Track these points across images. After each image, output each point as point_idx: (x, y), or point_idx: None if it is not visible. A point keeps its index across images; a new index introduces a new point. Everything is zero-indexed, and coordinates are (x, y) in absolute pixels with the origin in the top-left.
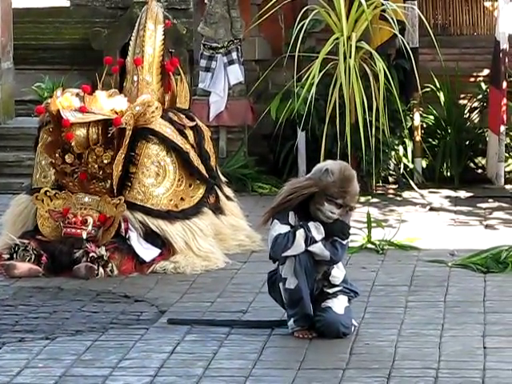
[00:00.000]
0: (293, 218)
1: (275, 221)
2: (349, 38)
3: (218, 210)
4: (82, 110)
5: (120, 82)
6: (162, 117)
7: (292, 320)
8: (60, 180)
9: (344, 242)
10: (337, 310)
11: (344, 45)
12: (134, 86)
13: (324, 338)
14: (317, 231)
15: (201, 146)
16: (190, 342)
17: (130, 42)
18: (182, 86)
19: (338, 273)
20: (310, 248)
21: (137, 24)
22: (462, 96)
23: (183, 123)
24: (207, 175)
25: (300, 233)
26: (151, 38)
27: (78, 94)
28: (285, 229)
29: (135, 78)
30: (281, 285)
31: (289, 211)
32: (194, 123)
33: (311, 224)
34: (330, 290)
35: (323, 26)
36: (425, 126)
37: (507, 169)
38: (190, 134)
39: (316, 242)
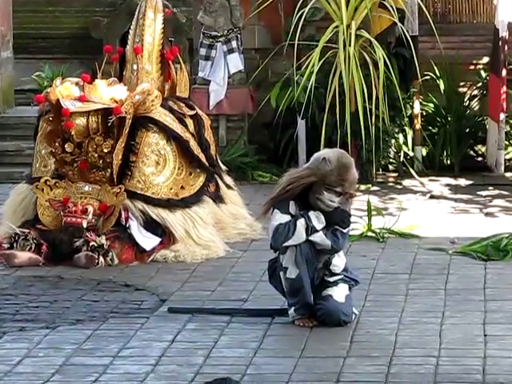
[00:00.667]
0: (293, 207)
1: (276, 210)
2: (348, 26)
3: (218, 198)
4: (81, 99)
5: (120, 71)
6: (161, 105)
7: (293, 309)
8: (60, 169)
9: (345, 231)
10: (337, 299)
11: (344, 33)
12: (133, 75)
13: (324, 327)
14: (317, 220)
15: (200, 135)
16: (190, 330)
17: (130, 31)
18: (182, 74)
19: (338, 261)
20: (311, 238)
21: (136, 13)
22: (461, 84)
23: (183, 112)
24: (207, 164)
25: (301, 222)
26: (151, 27)
27: (77, 83)
28: (285, 218)
29: (135, 67)
30: (281, 274)
31: (289, 201)
32: (194, 112)
33: (312, 213)
34: (331, 279)
35: (323, 14)
36: (425, 114)
37: (507, 156)
38: (189, 122)
39: (317, 231)
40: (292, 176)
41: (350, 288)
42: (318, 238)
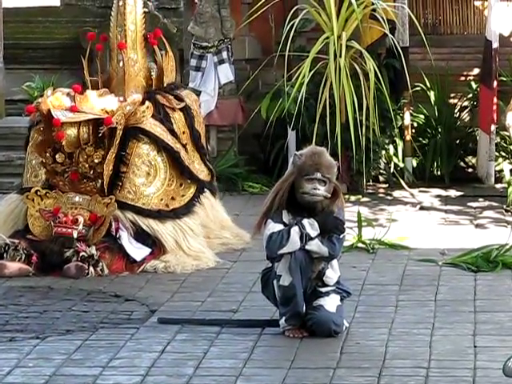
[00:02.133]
0: (286, 216)
1: (269, 220)
2: (339, 37)
3: (213, 188)
4: (72, 109)
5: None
6: (148, 98)
7: (284, 318)
8: (51, 179)
9: (341, 237)
10: (329, 309)
11: (334, 44)
12: (119, 67)
13: (315, 337)
14: (311, 227)
15: (191, 126)
16: (180, 341)
17: (111, 17)
18: (168, 59)
19: (332, 274)
20: (307, 247)
21: None
22: (452, 95)
23: (172, 105)
24: (199, 154)
25: (295, 230)
26: (132, 14)
27: (68, 94)
28: (278, 227)
29: (120, 58)
30: (275, 282)
31: (281, 210)
32: (183, 104)
33: (305, 221)
34: (323, 289)
35: (313, 25)
36: (415, 125)
37: (497, 168)
38: (180, 115)
39: (312, 238)
40: (276, 185)
41: (341, 299)
42: (315, 245)
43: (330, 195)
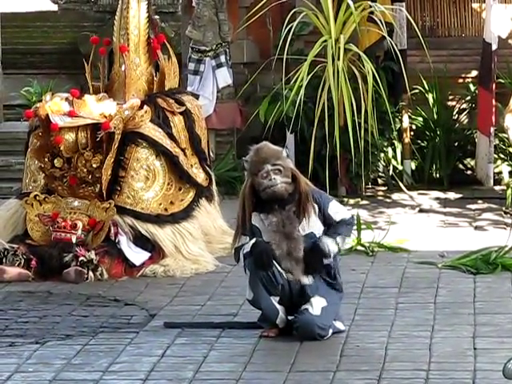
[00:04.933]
0: (256, 218)
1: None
2: (337, 40)
3: (210, 194)
4: (71, 114)
5: (109, 64)
6: (148, 101)
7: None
8: (49, 184)
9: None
10: (313, 312)
11: (332, 47)
12: (121, 70)
13: (314, 341)
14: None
15: (192, 130)
16: (180, 345)
17: (115, 22)
18: (171, 64)
19: (318, 303)
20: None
21: (120, 3)
22: (450, 97)
23: (172, 109)
24: (198, 159)
25: (247, 245)
26: (135, 18)
27: (67, 99)
28: (243, 240)
29: (122, 61)
30: None
31: (250, 216)
32: (184, 108)
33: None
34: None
35: (311, 29)
36: (414, 127)
37: (496, 170)
38: (179, 119)
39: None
40: (239, 199)
41: (337, 292)
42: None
43: (289, 180)
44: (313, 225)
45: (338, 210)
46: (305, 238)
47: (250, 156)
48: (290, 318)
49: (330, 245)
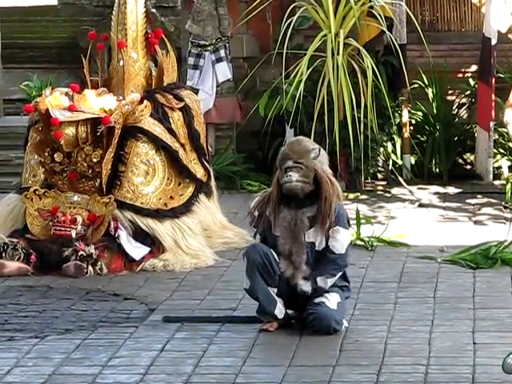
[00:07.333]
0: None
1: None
2: (337, 34)
3: (208, 189)
4: (71, 108)
5: (108, 57)
6: (148, 97)
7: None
8: (49, 179)
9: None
10: (330, 305)
11: (332, 42)
12: (119, 66)
13: (314, 335)
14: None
15: (190, 126)
16: (179, 339)
17: (112, 17)
18: (169, 58)
19: (334, 298)
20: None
21: None
22: (450, 92)
23: (171, 105)
24: (197, 154)
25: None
26: (133, 13)
27: (67, 93)
28: (257, 239)
29: (120, 57)
30: None
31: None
32: (183, 103)
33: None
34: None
35: (311, 23)
36: (413, 122)
37: (496, 164)
38: (179, 114)
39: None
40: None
41: (346, 297)
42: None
43: (309, 180)
44: (316, 236)
45: (341, 245)
46: (306, 244)
47: (282, 149)
48: (289, 312)
49: (324, 285)
